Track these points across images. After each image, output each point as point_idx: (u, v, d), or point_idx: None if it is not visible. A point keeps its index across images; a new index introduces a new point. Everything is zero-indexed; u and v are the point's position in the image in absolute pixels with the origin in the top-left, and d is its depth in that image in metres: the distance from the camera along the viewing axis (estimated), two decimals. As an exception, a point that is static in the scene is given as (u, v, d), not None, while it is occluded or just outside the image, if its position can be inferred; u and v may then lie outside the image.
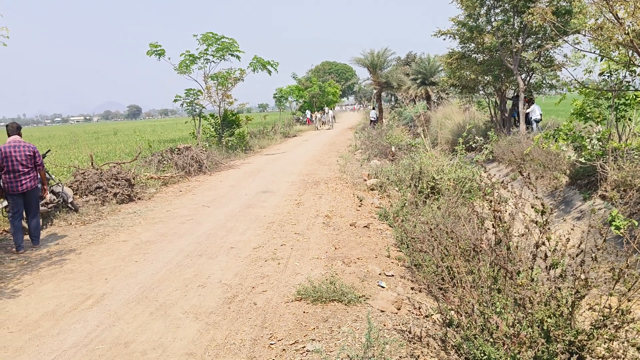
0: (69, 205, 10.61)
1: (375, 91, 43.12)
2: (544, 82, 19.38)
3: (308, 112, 53.11)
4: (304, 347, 4.30)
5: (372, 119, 38.06)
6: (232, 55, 22.54)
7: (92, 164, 13.59)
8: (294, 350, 4.28)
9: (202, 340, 4.63)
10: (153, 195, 12.93)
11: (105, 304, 5.67)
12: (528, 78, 19.23)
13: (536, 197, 3.95)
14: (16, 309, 5.67)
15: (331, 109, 45.73)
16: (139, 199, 12.43)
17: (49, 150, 12.20)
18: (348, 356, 3.85)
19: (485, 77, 20.83)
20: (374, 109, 42.09)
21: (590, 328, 3.71)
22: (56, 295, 6.03)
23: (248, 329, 4.80)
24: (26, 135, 58.92)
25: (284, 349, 4.32)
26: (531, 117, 19.16)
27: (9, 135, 8.49)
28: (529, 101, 19.22)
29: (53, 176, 10.91)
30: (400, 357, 4.08)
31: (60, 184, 10.73)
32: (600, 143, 10.11)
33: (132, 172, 13.44)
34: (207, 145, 20.61)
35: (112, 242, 8.43)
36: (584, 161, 10.28)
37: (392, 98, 51.77)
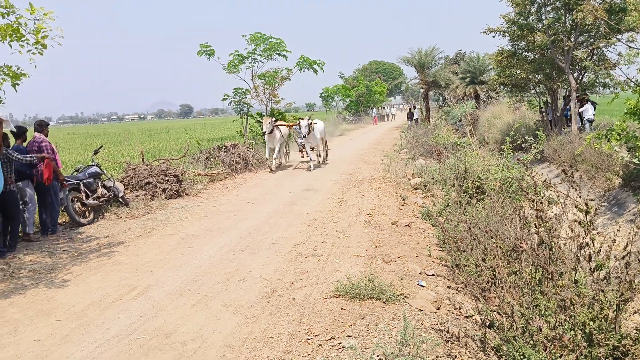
0: (120, 199, 10.97)
1: (422, 90, 42.67)
2: (597, 80, 18.72)
3: (374, 111, 52.91)
4: (340, 343, 4.32)
5: (415, 117, 38.15)
6: (279, 55, 22.71)
7: (142, 160, 13.99)
8: (330, 346, 4.30)
9: (240, 332, 4.71)
10: (200, 192, 13.19)
11: (149, 295, 5.84)
12: (580, 77, 18.63)
13: (579, 196, 3.84)
14: (64, 298, 5.90)
15: (312, 120, 16.91)
16: (187, 194, 12.71)
17: (102, 146, 12.65)
18: (383, 353, 3.84)
19: (536, 76, 20.27)
20: (414, 107, 41.89)
21: (636, 333, 3.58)
22: (103, 286, 6.24)
23: (286, 324, 4.85)
24: (82, 132, 61.11)
25: (320, 344, 4.35)
26: (584, 117, 18.56)
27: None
28: (582, 100, 18.62)
29: (105, 171, 11.29)
30: (436, 356, 4.04)
31: (112, 179, 11.10)
32: (656, 144, 9.69)
33: (180, 169, 13.77)
34: (253, 143, 20.85)
35: (159, 236, 8.66)
36: (637, 162, 9.89)
37: (440, 97, 51.14)
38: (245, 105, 22.85)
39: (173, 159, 15.09)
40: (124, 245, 8.13)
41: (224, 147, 17.67)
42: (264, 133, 16.29)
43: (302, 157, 19.63)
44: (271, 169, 16.52)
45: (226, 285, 6.04)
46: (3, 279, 6.68)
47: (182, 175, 13.31)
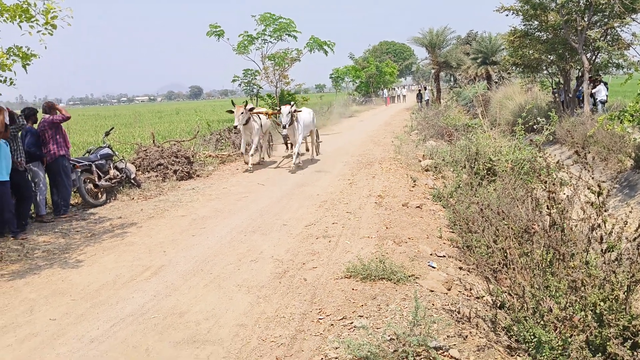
0: (132, 181, 11.05)
1: (433, 71, 42.36)
2: (610, 61, 18.50)
3: (385, 92, 52.77)
4: (352, 322, 4.36)
5: (426, 98, 38.24)
6: (289, 35, 22.64)
7: (153, 141, 14.06)
8: (341, 326, 4.34)
9: (253, 312, 4.77)
10: (211, 173, 13.25)
11: (163, 275, 5.91)
12: (593, 57, 18.41)
13: (592, 178, 3.83)
14: (79, 278, 5.98)
15: (296, 107, 13.55)
16: (198, 176, 12.78)
17: (113, 128, 12.70)
18: (394, 333, 3.88)
19: (549, 56, 20.07)
20: (425, 88, 41.89)
21: (647, 314, 3.59)
22: (116, 266, 6.32)
23: (298, 304, 4.90)
24: (92, 114, 61.30)
25: (332, 324, 4.39)
26: (596, 98, 18.38)
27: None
28: (594, 81, 18.41)
29: (116, 152, 11.37)
30: (448, 336, 4.08)
31: (123, 161, 11.18)
32: (670, 125, 9.60)
33: (191, 150, 13.82)
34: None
35: (171, 217, 8.73)
36: (651, 144, 9.81)
37: (451, 78, 50.76)
38: (255, 87, 22.86)
39: (184, 141, 15.14)
40: (137, 226, 8.21)
41: (234, 129, 17.66)
42: (235, 127, 13.37)
43: (288, 150, 15.31)
44: (247, 168, 13.34)
45: (238, 265, 6.10)
46: (18, 260, 6.78)
47: (192, 156, 13.37)
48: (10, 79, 7.51)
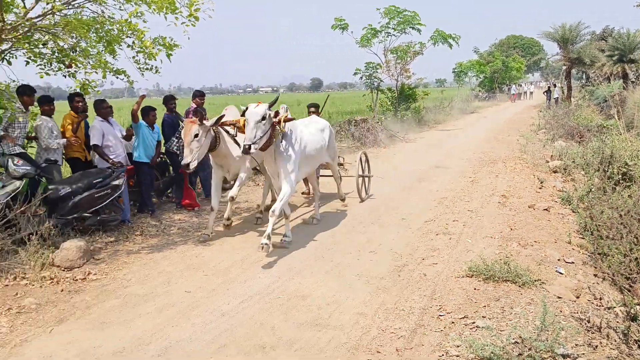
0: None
1: (564, 68, 39.96)
2: None
3: (513, 87, 50.88)
4: (474, 322, 4.31)
5: (556, 95, 36.54)
6: (412, 28, 22.32)
7: (277, 131, 14.52)
8: (463, 324, 4.31)
9: (372, 302, 4.86)
10: (330, 164, 13.48)
11: (286, 259, 6.17)
12: None
13: None
14: (210, 255, 6.41)
15: (280, 112, 6.93)
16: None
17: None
18: (520, 336, 3.79)
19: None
20: (554, 85, 39.96)
21: None
22: (244, 246, 6.70)
23: (417, 298, 4.91)
24: (222, 103, 64.28)
25: (452, 322, 4.37)
26: None
27: None
28: None
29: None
30: (576, 344, 3.91)
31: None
32: None
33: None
34: (382, 118, 20.84)
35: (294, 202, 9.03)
36: None
37: (583, 75, 47.57)
38: (376, 80, 22.84)
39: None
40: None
41: (353, 121, 17.85)
42: (188, 166, 6.56)
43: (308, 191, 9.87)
44: (203, 233, 7.19)
45: (357, 256, 6.22)
46: (156, 235, 7.39)
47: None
48: (156, 67, 8.11)
